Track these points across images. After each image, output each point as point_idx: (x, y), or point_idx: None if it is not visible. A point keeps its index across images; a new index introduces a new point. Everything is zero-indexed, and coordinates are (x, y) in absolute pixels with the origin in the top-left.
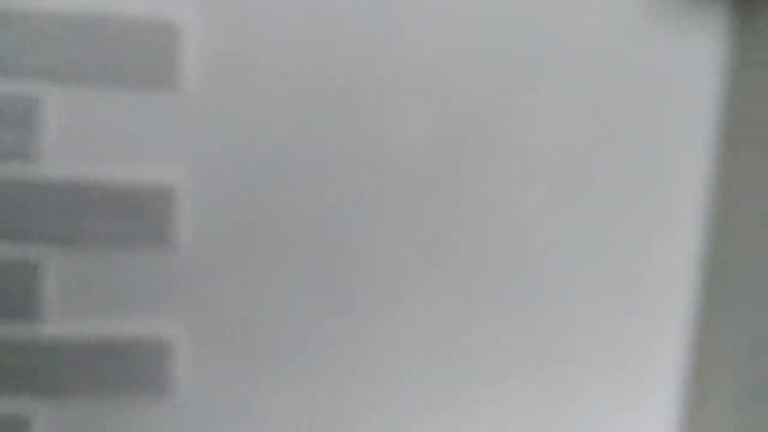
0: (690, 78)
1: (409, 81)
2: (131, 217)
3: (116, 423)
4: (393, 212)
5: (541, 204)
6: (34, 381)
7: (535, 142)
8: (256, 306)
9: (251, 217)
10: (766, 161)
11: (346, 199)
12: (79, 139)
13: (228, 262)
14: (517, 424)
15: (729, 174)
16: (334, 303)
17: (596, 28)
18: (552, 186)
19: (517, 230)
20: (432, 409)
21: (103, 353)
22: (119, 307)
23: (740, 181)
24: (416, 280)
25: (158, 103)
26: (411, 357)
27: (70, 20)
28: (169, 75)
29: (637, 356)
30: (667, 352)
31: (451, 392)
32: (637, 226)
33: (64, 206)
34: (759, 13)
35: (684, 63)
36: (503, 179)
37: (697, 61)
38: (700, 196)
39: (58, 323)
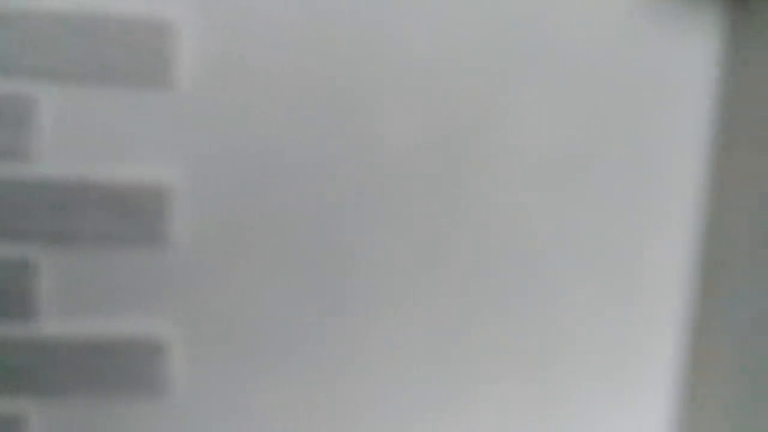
0: (684, 77)
1: (404, 81)
2: (126, 217)
3: (111, 422)
4: (388, 212)
5: (536, 203)
6: (28, 380)
7: (529, 142)
8: (251, 305)
9: (246, 216)
10: (761, 160)
11: (340, 199)
12: (74, 138)
13: (223, 261)
14: (513, 424)
15: (723, 173)
16: (328, 302)
17: (590, 27)
18: (546, 186)
19: (511, 230)
20: (428, 409)
21: (98, 352)
22: (114, 306)
23: (735, 180)
24: (411, 280)
25: (153, 103)
26: (406, 356)
27: (66, 20)
28: (164, 74)
29: (633, 356)
30: (662, 351)
31: (447, 392)
32: (631, 226)
33: (60, 205)
34: (753, 12)
35: (678, 62)
36: (497, 179)
37: (691, 60)
38: (694, 195)
39: (53, 322)
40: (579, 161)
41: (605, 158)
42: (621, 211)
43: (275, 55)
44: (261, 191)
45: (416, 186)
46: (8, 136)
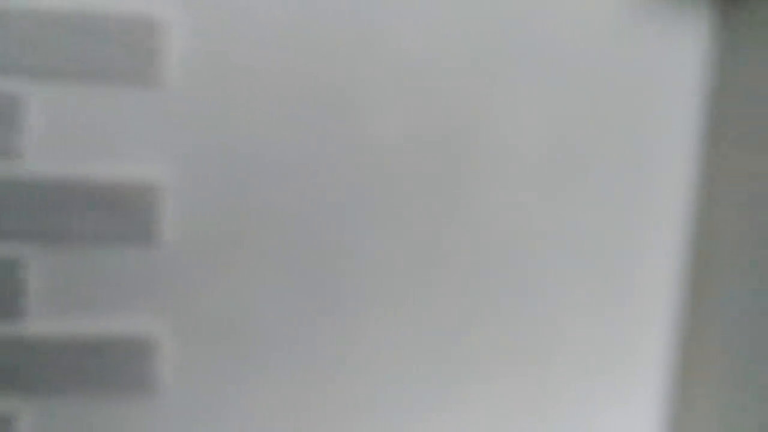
0: (674, 76)
1: (395, 78)
2: (115, 215)
3: (101, 421)
4: (379, 210)
5: (526, 203)
6: (18, 379)
7: (520, 141)
8: (241, 304)
9: (235, 214)
10: (750, 158)
11: (331, 197)
12: (62, 136)
13: (212, 259)
14: (506, 423)
15: (713, 172)
16: (320, 300)
17: (580, 26)
18: (536, 185)
19: (504, 229)
20: (422, 409)
21: (87, 351)
22: (103, 305)
23: (725, 180)
24: (404, 278)
25: (141, 101)
26: (399, 356)
27: (54, 18)
28: (153, 72)
29: (624, 355)
30: (653, 350)
31: (440, 391)
32: (621, 225)
33: (48, 204)
34: (742, 12)
35: (668, 61)
36: (488, 178)
37: (680, 60)
38: (684, 195)
39: (41, 321)
40: (569, 161)
41: (595, 157)
42: (611, 211)
43: (264, 53)
44: (251, 189)
45: (408, 184)
46: None
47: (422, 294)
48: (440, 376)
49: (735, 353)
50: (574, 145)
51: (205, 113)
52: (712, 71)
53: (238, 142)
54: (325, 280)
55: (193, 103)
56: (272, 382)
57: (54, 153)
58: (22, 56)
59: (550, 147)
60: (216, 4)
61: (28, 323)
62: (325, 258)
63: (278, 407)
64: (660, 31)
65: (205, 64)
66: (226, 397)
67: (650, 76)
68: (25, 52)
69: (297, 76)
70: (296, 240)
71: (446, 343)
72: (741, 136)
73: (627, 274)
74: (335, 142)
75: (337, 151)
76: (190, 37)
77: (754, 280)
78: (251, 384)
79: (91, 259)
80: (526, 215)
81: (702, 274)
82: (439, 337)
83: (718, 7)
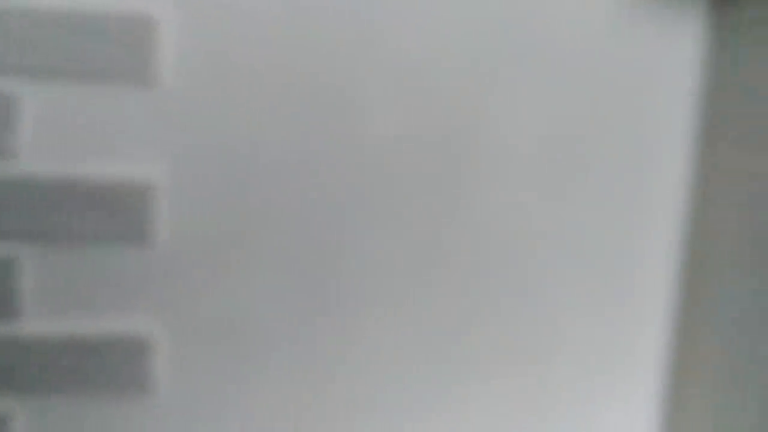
0: (669, 76)
1: (391, 77)
2: (111, 215)
3: (95, 421)
4: (377, 210)
5: (522, 203)
6: (12, 379)
7: (517, 142)
8: (238, 303)
9: (230, 214)
10: (745, 158)
11: (326, 196)
12: (57, 136)
13: (207, 259)
14: (503, 422)
15: (709, 171)
16: (315, 300)
17: (576, 26)
18: (532, 185)
19: (500, 230)
20: (420, 408)
21: (82, 351)
22: (98, 304)
23: (720, 178)
24: (402, 278)
25: (136, 100)
26: (396, 356)
27: (48, 17)
28: (145, 71)
29: (620, 355)
30: (649, 350)
31: (436, 390)
32: (617, 224)
33: (43, 204)
34: (737, 12)
35: (662, 60)
36: (486, 178)
37: (675, 59)
38: (680, 194)
39: (36, 321)
40: (566, 161)
41: (592, 158)
42: (607, 210)
43: (259, 51)
44: (248, 188)
45: (407, 184)
46: None
47: (421, 294)
48: (439, 376)
49: (731, 353)
50: (571, 145)
51: (201, 113)
52: (708, 71)
53: (235, 141)
54: (323, 279)
55: (189, 103)
56: (270, 382)
57: (49, 153)
58: (16, 56)
59: (547, 147)
60: (212, 3)
61: (23, 323)
62: (322, 257)
63: (276, 407)
64: (656, 31)
65: (201, 63)
66: (222, 397)
67: (646, 76)
68: (19, 51)
69: (294, 75)
70: (293, 239)
71: (445, 343)
72: (736, 136)
73: (623, 273)
74: (333, 142)
75: (335, 150)
76: (186, 37)
77: (749, 280)
78: (248, 384)
79: (86, 258)
80: (523, 215)
81: (698, 275)
82: (438, 337)
83: (714, 7)
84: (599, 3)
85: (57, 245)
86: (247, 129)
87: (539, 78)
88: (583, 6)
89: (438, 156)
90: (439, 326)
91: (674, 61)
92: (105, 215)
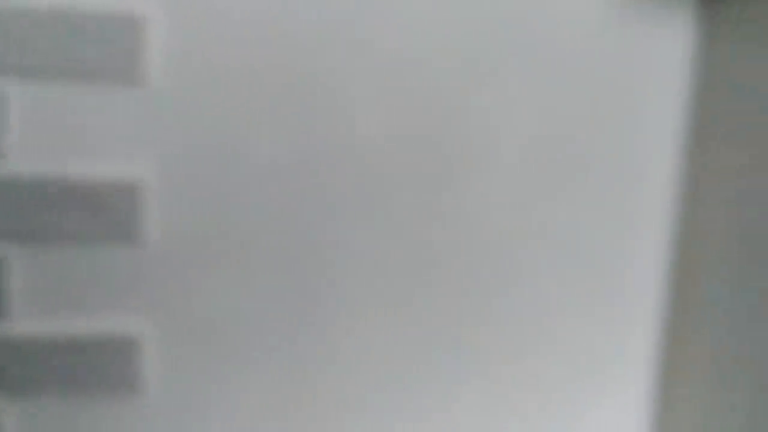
0: (658, 74)
1: (379, 75)
2: (98, 214)
3: (85, 420)
4: (364, 208)
5: (512, 203)
6: (1, 380)
7: (504, 140)
8: (226, 303)
9: (219, 213)
10: (734, 156)
11: (314, 195)
12: (44, 135)
13: (196, 258)
14: (493, 421)
15: (698, 169)
16: (304, 300)
17: (565, 25)
18: (522, 184)
19: (490, 230)
20: (409, 409)
21: (71, 351)
22: (87, 304)
23: (709, 177)
24: (391, 278)
25: (123, 99)
26: (385, 356)
27: (36, 16)
28: (134, 71)
29: (610, 355)
30: (638, 350)
31: (427, 391)
32: (606, 223)
33: (31, 203)
34: (726, 10)
35: (652, 59)
36: (473, 178)
37: (665, 58)
38: (668, 192)
39: (25, 321)
40: (555, 161)
41: (582, 157)
42: (596, 209)
43: (247, 51)
44: (235, 188)
45: (395, 183)
46: None
47: (410, 294)
48: (429, 376)
49: (721, 352)
50: (560, 144)
51: (189, 112)
52: (697, 70)
53: (222, 140)
54: (313, 279)
55: (176, 102)
56: (258, 381)
57: (37, 152)
58: (3, 55)
59: (536, 146)
60: (200, 2)
61: (12, 323)
62: (312, 257)
63: (264, 407)
64: (645, 30)
65: (188, 62)
66: (211, 396)
67: (635, 75)
68: (6, 50)
69: (281, 75)
70: (283, 239)
71: (434, 343)
72: (726, 134)
73: (613, 272)
74: (321, 141)
75: (324, 150)
76: (173, 36)
77: (739, 280)
78: (237, 384)
79: (76, 258)
80: (511, 215)
81: (687, 274)
82: (428, 337)
83: (703, 5)
84: (589, 2)
85: (46, 245)
86: (235, 128)
87: (528, 77)
88: (573, 5)
89: (427, 156)
90: (428, 327)
91: (664, 60)
92: (94, 215)
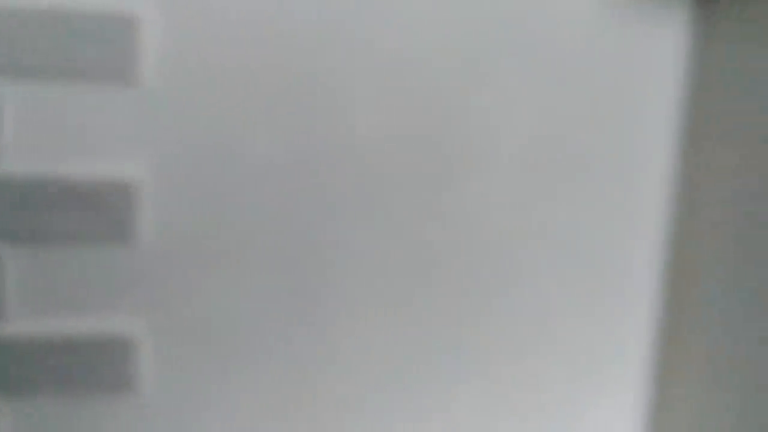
0: (653, 73)
1: (377, 76)
2: (92, 214)
3: (80, 420)
4: (361, 208)
5: (507, 202)
6: None
7: (498, 136)
8: (221, 302)
9: (214, 213)
10: (729, 155)
11: (310, 195)
12: (38, 135)
13: (190, 258)
14: (490, 421)
15: (692, 168)
16: (300, 300)
17: (562, 24)
18: (518, 184)
19: (487, 230)
20: (405, 409)
21: (66, 351)
22: (81, 304)
23: (705, 176)
24: (387, 278)
25: (119, 99)
26: (381, 356)
27: (30, 16)
28: (128, 70)
29: (606, 355)
30: (633, 349)
31: (424, 390)
32: (602, 223)
33: (25, 203)
34: (721, 9)
35: (647, 58)
36: (469, 178)
37: (660, 56)
38: (663, 191)
39: (20, 321)
40: (552, 160)
41: (577, 156)
42: (592, 209)
43: (242, 51)
44: (230, 188)
45: (392, 183)
46: None
47: (408, 294)
48: (426, 376)
49: (716, 352)
50: (556, 144)
51: (183, 111)
52: (692, 68)
53: (217, 140)
54: (308, 279)
55: (171, 102)
56: (255, 381)
57: (32, 152)
58: None
59: (532, 146)
60: (195, 2)
61: (6, 323)
62: (307, 257)
63: (261, 407)
64: (640, 29)
65: (183, 62)
66: (207, 396)
67: (630, 74)
68: (1, 50)
69: (277, 74)
70: (278, 238)
71: (432, 343)
72: (721, 133)
73: (608, 272)
74: (318, 141)
75: (320, 149)
76: (169, 36)
77: (735, 279)
78: (233, 383)
79: (70, 258)
80: (508, 215)
81: (683, 273)
82: (425, 337)
83: (698, 4)
84: (585, 2)
85: (41, 245)
86: (231, 128)
87: (526, 77)
88: (570, 5)
89: (425, 156)
90: (426, 326)
91: (659, 60)
92: (88, 215)
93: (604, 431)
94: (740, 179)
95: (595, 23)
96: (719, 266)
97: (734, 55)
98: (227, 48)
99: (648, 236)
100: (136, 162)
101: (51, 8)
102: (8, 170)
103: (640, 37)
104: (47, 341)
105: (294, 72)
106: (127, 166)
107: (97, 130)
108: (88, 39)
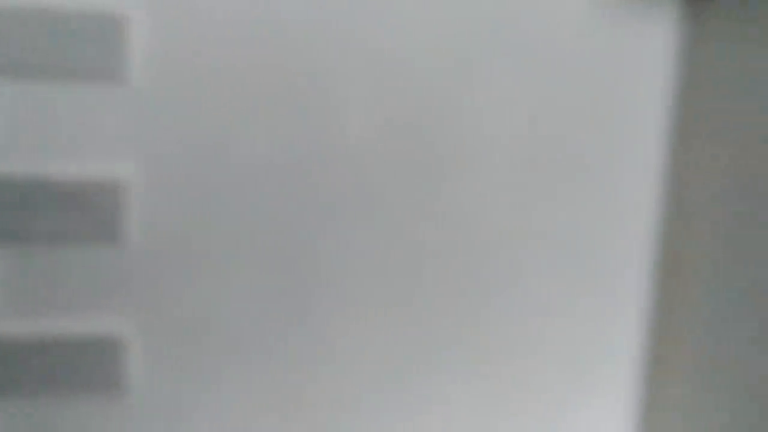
0: (643, 71)
1: (366, 73)
2: (80, 214)
3: (69, 421)
4: (352, 208)
5: (496, 201)
6: None
7: (489, 135)
8: (210, 303)
9: (203, 212)
10: (719, 154)
11: (300, 194)
12: (25, 134)
13: (180, 258)
14: (480, 420)
15: (682, 167)
16: (290, 300)
17: (550, 19)
18: (506, 183)
19: (476, 226)
20: (395, 409)
21: (54, 351)
22: (69, 304)
23: (693, 174)
24: (377, 278)
25: (106, 98)
26: (370, 356)
27: (18, 15)
28: (116, 69)
29: (596, 354)
30: (623, 348)
31: (415, 390)
32: (590, 221)
33: (12, 203)
34: (711, 8)
35: (637, 57)
36: (459, 177)
37: (649, 53)
38: (653, 190)
39: (7, 322)
40: (541, 159)
41: (565, 151)
42: (581, 208)
43: (230, 50)
44: (219, 187)
45: (383, 182)
46: None
47: (399, 293)
48: (417, 376)
49: (707, 351)
50: (546, 142)
51: (172, 111)
52: (682, 67)
53: (206, 139)
54: (296, 278)
55: (159, 101)
56: (244, 381)
57: (19, 152)
58: None
59: (522, 145)
60: (183, 1)
61: None
62: (297, 255)
63: (251, 406)
64: (630, 27)
65: (172, 61)
66: (197, 396)
67: (620, 73)
68: None
69: (266, 73)
70: (267, 238)
71: (423, 343)
72: (711, 132)
73: (598, 271)
74: (308, 140)
75: (311, 149)
76: (157, 35)
77: (724, 278)
78: (222, 383)
79: (58, 258)
80: (498, 214)
81: (673, 272)
82: (416, 337)
83: (688, 4)
84: (576, 2)
85: (28, 245)
86: (219, 127)
87: (517, 76)
88: (560, 5)
89: (417, 155)
90: (418, 326)
91: (649, 57)
92: (76, 215)
93: (595, 430)
94: (730, 178)
95: (584, 22)
96: (709, 265)
97: (724, 53)
98: (215, 47)
99: (638, 235)
100: (124, 161)
101: (38, 8)
102: None
103: (630, 36)
104: (35, 341)
105: (283, 71)
106: (114, 165)
107: (85, 129)
108: (75, 38)
